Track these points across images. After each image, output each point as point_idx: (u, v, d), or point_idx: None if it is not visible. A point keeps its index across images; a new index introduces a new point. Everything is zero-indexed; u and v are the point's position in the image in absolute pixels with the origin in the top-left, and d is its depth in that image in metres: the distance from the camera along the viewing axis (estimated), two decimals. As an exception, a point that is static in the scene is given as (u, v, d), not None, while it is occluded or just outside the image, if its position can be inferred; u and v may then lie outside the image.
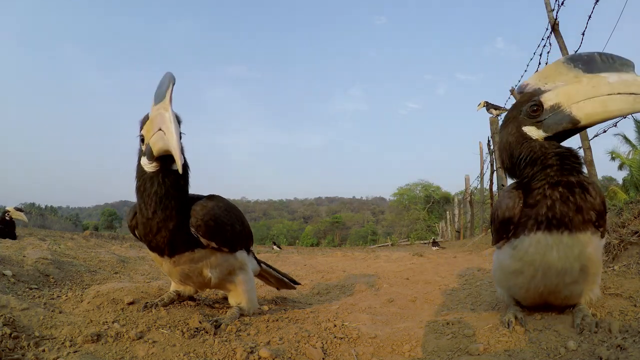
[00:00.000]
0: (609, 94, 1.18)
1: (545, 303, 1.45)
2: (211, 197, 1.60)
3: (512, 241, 1.36)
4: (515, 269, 1.39)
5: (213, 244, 1.54)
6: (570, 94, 1.24)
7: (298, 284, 2.35)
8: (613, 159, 16.14)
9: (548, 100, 1.28)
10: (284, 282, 2.24)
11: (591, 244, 1.28)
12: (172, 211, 1.44)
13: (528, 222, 1.29)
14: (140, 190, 1.46)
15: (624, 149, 16.43)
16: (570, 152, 1.30)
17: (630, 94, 1.15)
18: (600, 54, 1.23)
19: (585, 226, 1.25)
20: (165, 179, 1.43)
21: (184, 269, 1.58)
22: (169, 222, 1.44)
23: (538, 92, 1.31)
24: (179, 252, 1.51)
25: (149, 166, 1.44)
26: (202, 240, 1.51)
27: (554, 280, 1.32)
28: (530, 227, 1.29)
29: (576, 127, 1.27)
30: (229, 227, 1.58)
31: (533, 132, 1.32)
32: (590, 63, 1.22)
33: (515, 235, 1.34)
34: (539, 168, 1.29)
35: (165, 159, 1.43)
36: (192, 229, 1.49)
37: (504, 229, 1.37)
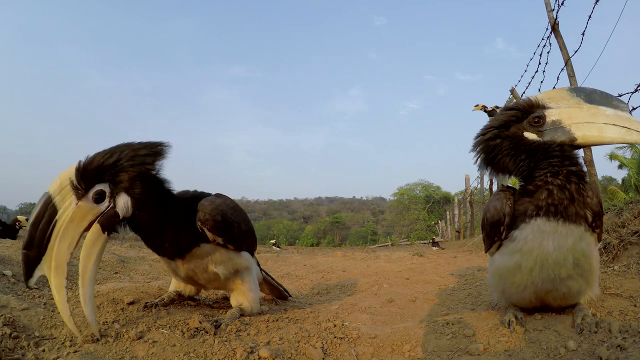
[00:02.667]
0: (605, 123, 1.34)
1: (542, 304, 1.45)
2: (219, 195, 1.64)
3: (512, 234, 1.38)
4: (513, 265, 1.39)
5: (219, 240, 1.55)
6: (572, 115, 1.38)
7: (290, 296, 2.38)
8: (611, 159, 16.15)
9: (551, 115, 1.40)
10: (279, 290, 2.26)
11: (584, 239, 1.32)
12: (165, 229, 1.43)
13: (528, 209, 1.34)
14: None
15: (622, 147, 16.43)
16: (570, 147, 1.38)
17: (623, 127, 1.32)
18: (600, 91, 1.40)
19: (578, 219, 1.30)
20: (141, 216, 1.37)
21: (190, 266, 1.60)
22: (167, 237, 1.46)
23: (542, 106, 1.41)
24: (186, 252, 1.54)
25: None
26: (208, 234, 1.53)
27: (551, 274, 1.33)
28: (530, 213, 1.33)
29: (571, 144, 1.38)
30: (235, 224, 1.61)
31: (534, 137, 1.40)
32: (591, 95, 1.39)
33: (515, 226, 1.37)
34: (542, 156, 1.36)
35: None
36: (199, 223, 1.51)
37: (495, 231, 1.41)
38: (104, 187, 1.30)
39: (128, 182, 1.32)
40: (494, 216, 1.40)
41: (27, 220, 6.27)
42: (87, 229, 1.30)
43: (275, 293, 2.28)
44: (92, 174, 1.27)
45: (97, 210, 1.30)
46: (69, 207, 1.26)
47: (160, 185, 1.43)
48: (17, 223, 6.11)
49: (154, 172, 1.39)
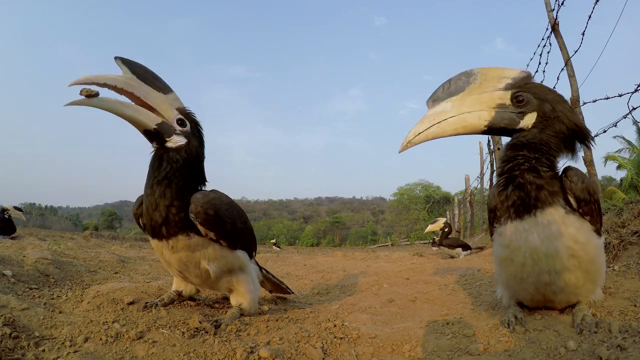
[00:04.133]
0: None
1: (544, 299, 1.44)
2: (214, 191, 1.64)
3: (498, 227, 1.41)
4: (505, 256, 1.40)
5: (211, 234, 1.55)
6: None
7: (292, 292, 2.39)
8: (606, 162, 16.21)
9: None
10: (281, 288, 2.27)
11: (571, 224, 1.28)
12: (171, 191, 1.51)
13: (502, 209, 1.37)
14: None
15: (617, 147, 16.50)
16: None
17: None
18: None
19: (553, 199, 1.28)
20: (161, 159, 1.54)
21: (182, 258, 1.58)
22: (166, 199, 1.50)
23: None
24: (175, 234, 1.53)
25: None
26: (200, 228, 1.52)
27: (545, 267, 1.32)
28: (505, 216, 1.36)
29: None
30: (229, 219, 1.60)
31: None
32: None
33: (500, 222, 1.40)
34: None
35: (159, 140, 1.56)
36: (192, 216, 1.50)
37: (492, 218, 1.45)
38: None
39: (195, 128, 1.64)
40: (491, 202, 1.44)
41: (15, 208, 6.14)
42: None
43: (278, 290, 2.30)
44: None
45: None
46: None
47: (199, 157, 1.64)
48: (5, 212, 5.93)
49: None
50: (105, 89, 1.46)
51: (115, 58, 1.49)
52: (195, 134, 1.62)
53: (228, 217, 1.59)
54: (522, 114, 1.38)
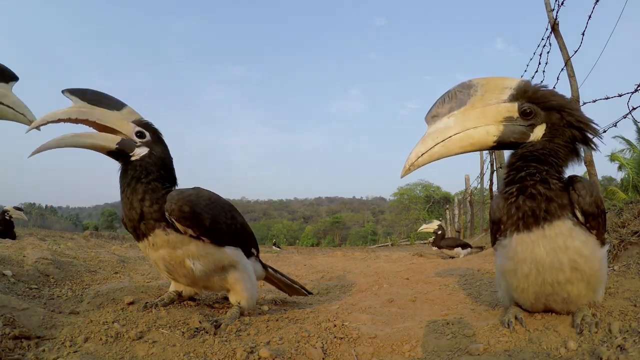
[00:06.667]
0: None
1: (544, 307, 1.44)
2: (195, 188, 1.63)
3: (502, 240, 1.39)
4: (509, 268, 1.39)
5: (190, 232, 1.54)
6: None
7: (310, 293, 2.30)
8: (612, 160, 16.18)
9: None
10: (295, 289, 2.21)
11: (577, 237, 1.27)
12: (142, 186, 1.55)
13: (508, 222, 1.33)
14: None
15: (620, 147, 16.49)
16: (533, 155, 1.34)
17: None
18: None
19: (562, 212, 1.27)
20: (127, 170, 1.59)
21: (164, 256, 1.58)
22: (138, 194, 1.54)
23: None
24: (152, 229, 1.54)
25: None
26: (177, 225, 1.52)
27: (548, 278, 1.31)
28: (512, 228, 1.33)
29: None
30: (208, 215, 1.57)
31: None
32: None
33: (504, 234, 1.37)
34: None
35: (124, 156, 1.60)
36: (166, 214, 1.51)
37: (496, 230, 1.41)
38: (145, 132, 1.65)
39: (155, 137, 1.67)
40: (495, 214, 1.40)
41: (15, 208, 6.13)
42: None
43: (292, 291, 2.24)
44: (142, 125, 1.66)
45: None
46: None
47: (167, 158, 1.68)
48: (6, 213, 5.90)
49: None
50: (61, 124, 1.53)
51: (63, 91, 1.54)
52: (155, 140, 1.66)
53: (207, 213, 1.57)
54: (532, 127, 1.34)
